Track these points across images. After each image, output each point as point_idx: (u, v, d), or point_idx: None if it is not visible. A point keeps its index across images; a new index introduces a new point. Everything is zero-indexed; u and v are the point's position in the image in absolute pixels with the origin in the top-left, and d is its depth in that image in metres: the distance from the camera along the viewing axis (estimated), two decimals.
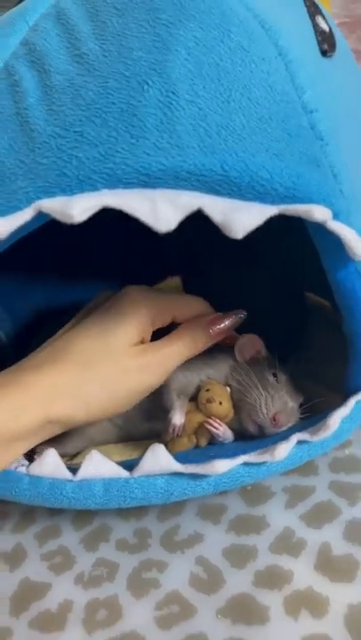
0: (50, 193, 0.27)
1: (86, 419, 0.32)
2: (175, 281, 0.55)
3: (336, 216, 0.29)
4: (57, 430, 0.32)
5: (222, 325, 0.36)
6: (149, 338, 0.34)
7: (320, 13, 0.35)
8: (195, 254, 0.52)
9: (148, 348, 0.33)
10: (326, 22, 0.35)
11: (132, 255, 0.51)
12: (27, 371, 0.31)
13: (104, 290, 0.38)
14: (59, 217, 0.26)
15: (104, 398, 0.32)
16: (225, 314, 0.37)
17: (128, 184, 0.27)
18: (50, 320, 0.53)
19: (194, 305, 0.37)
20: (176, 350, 0.34)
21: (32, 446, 0.31)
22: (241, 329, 0.41)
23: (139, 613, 0.31)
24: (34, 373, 0.31)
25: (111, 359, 0.32)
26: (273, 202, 0.28)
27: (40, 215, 0.27)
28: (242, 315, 0.37)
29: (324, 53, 0.33)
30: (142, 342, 0.34)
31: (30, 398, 0.30)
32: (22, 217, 0.27)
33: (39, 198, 0.28)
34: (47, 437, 0.32)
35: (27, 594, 0.33)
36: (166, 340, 0.34)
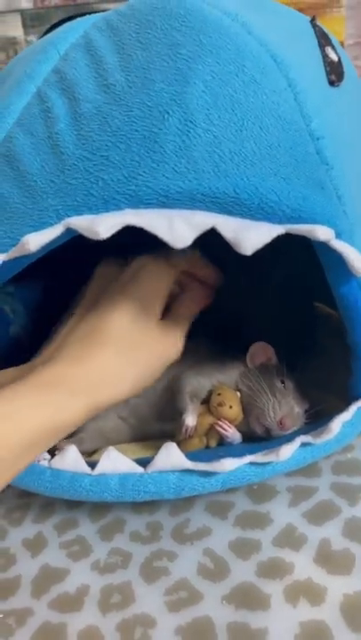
0: (78, 211, 0.30)
1: (128, 396, 0.33)
2: None
3: (339, 235, 0.31)
4: (101, 411, 0.33)
5: (206, 296, 0.38)
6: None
7: (330, 44, 0.38)
8: None
9: (172, 324, 0.35)
10: (336, 52, 0.38)
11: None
12: (67, 364, 0.32)
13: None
14: (86, 233, 0.29)
15: (144, 377, 0.34)
16: (203, 286, 0.38)
17: (148, 204, 0.30)
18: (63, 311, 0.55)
19: (191, 258, 0.37)
20: (185, 325, 0.36)
21: (71, 431, 0.32)
22: (252, 337, 0.44)
23: (150, 598, 0.33)
24: (77, 366, 0.32)
25: (149, 340, 0.33)
26: (280, 222, 0.30)
27: (68, 231, 0.30)
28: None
29: (331, 83, 0.36)
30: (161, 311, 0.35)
31: (78, 392, 0.31)
32: (53, 233, 0.30)
33: (68, 216, 0.31)
34: (87, 420, 0.32)
35: (47, 578, 0.36)
36: (176, 316, 0.36)
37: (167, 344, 0.34)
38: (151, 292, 0.34)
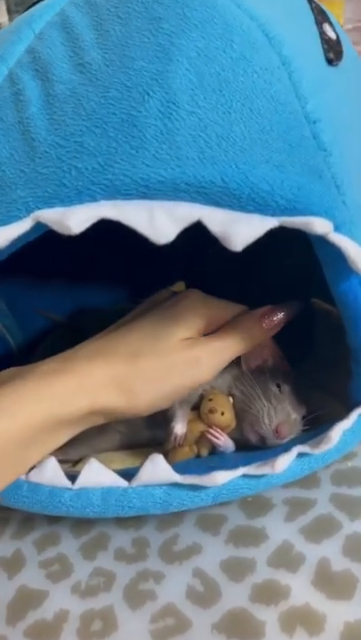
0: (49, 203, 0.27)
1: (131, 412, 0.32)
2: (179, 286, 0.55)
3: (338, 228, 0.29)
4: (99, 421, 0.32)
5: (276, 318, 0.35)
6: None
7: (327, 21, 0.35)
8: (197, 261, 0.52)
9: (197, 342, 0.33)
10: (334, 30, 0.35)
11: (137, 260, 0.51)
12: (78, 360, 0.31)
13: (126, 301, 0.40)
14: (56, 228, 0.26)
15: (150, 392, 0.32)
16: (278, 305, 0.36)
17: (127, 195, 0.27)
18: (57, 324, 0.54)
19: (242, 311, 0.36)
20: (229, 344, 0.33)
21: (73, 435, 0.32)
22: None
23: (134, 625, 0.30)
24: (85, 363, 0.31)
25: (159, 354, 0.32)
26: (273, 214, 0.27)
27: (39, 225, 0.27)
28: (295, 305, 0.36)
29: (329, 62, 0.33)
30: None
31: (79, 387, 0.30)
32: (21, 227, 0.27)
33: (38, 208, 0.28)
34: (89, 426, 0.32)
35: (23, 602, 0.33)
36: (218, 335, 0.34)
37: (180, 361, 0.32)
38: (182, 317, 0.33)
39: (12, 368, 0.34)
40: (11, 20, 0.73)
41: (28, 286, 0.52)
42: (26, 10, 0.40)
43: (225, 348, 0.33)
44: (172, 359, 0.32)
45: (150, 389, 0.32)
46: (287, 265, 0.48)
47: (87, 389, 0.30)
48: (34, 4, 0.39)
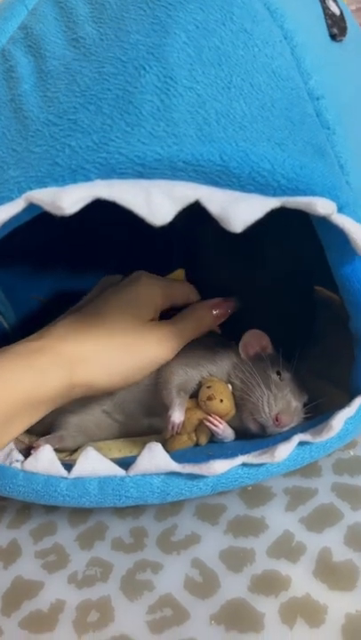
0: (42, 183, 0.26)
1: (107, 384, 0.34)
2: (179, 273, 0.54)
3: (341, 209, 0.28)
4: (79, 395, 0.33)
5: (224, 308, 0.39)
6: (158, 317, 0.38)
7: None
8: (198, 247, 0.51)
9: (162, 325, 0.36)
10: (337, 5, 0.34)
11: (135, 248, 0.50)
12: (53, 338, 0.33)
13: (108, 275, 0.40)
14: (49, 208, 0.25)
15: (125, 365, 0.34)
16: (225, 298, 0.40)
17: (123, 174, 0.26)
18: (52, 311, 0.53)
19: (187, 291, 0.40)
20: (188, 327, 0.37)
21: (52, 409, 0.33)
22: (247, 324, 0.40)
23: (130, 616, 0.30)
24: (60, 340, 0.33)
25: (132, 331, 0.35)
26: (274, 194, 0.26)
27: (32, 206, 0.26)
28: (234, 301, 0.40)
29: (333, 37, 0.32)
30: (153, 319, 0.37)
31: (57, 363, 0.32)
32: (13, 208, 0.26)
33: (31, 189, 0.27)
34: (68, 400, 0.33)
35: (19, 592, 0.32)
36: (177, 318, 0.37)
37: (153, 338, 0.35)
38: (141, 298, 0.37)
39: None
40: None
41: (25, 273, 0.51)
42: None
43: (184, 331, 0.37)
44: (144, 337, 0.35)
45: (126, 363, 0.34)
46: (287, 253, 0.47)
47: (64, 363, 0.32)
48: None
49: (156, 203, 0.25)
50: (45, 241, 0.44)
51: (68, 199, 0.24)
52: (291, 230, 0.38)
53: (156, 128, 0.25)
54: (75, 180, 0.26)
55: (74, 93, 0.27)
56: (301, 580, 0.30)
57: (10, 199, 0.27)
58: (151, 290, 0.37)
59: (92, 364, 0.33)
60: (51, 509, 0.38)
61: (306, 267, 0.47)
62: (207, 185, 0.26)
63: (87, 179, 0.26)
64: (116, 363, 0.34)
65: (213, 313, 0.39)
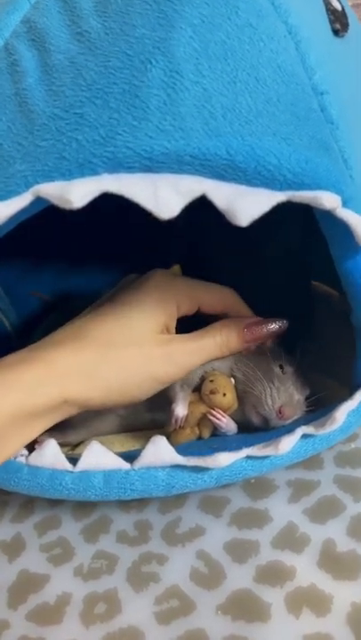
0: (49, 177, 0.26)
1: (103, 402, 0.31)
2: (175, 269, 0.54)
3: (346, 203, 0.28)
4: (73, 411, 0.31)
5: (260, 332, 0.35)
6: (174, 324, 0.33)
7: None
8: (194, 242, 0.51)
9: (175, 339, 0.32)
10: (339, 1, 0.34)
11: (133, 243, 0.50)
12: (47, 348, 0.30)
13: (126, 275, 0.37)
14: (57, 202, 0.25)
15: (123, 382, 0.31)
16: (266, 319, 0.35)
17: (130, 168, 0.26)
18: (53, 308, 0.53)
19: (221, 294, 0.35)
20: (205, 347, 0.33)
21: (48, 427, 0.31)
22: None
23: (138, 608, 0.30)
24: (53, 351, 0.30)
25: (134, 344, 0.31)
26: (280, 188, 0.26)
27: (39, 200, 0.26)
28: (282, 323, 0.35)
29: (336, 33, 0.32)
30: (167, 329, 0.33)
31: (47, 376, 0.29)
32: (21, 202, 0.26)
33: (38, 182, 0.27)
34: (63, 418, 0.31)
35: (25, 585, 0.32)
36: (196, 335, 0.33)
37: (158, 356, 0.31)
38: (150, 301, 0.32)
39: None
40: None
41: (25, 270, 0.51)
42: None
43: (199, 351, 0.33)
44: (146, 352, 0.31)
45: (122, 379, 0.31)
46: (285, 246, 0.47)
47: (56, 378, 0.29)
48: None
49: (164, 197, 0.25)
50: (45, 237, 0.44)
51: (77, 193, 0.24)
52: (284, 226, 0.38)
53: (163, 122, 0.25)
54: (82, 174, 0.26)
55: (80, 87, 0.27)
56: (306, 570, 0.30)
57: (17, 193, 0.27)
58: (165, 293, 0.33)
59: (87, 378, 0.30)
60: (54, 503, 0.38)
61: (302, 262, 0.48)
62: (213, 179, 0.26)
63: (94, 172, 0.26)
64: (113, 380, 0.31)
65: (245, 336, 0.34)
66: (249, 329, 0.34)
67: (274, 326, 0.35)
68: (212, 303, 0.35)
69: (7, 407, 0.27)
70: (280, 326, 0.35)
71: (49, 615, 0.30)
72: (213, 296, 0.35)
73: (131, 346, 0.31)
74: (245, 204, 0.25)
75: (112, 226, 0.50)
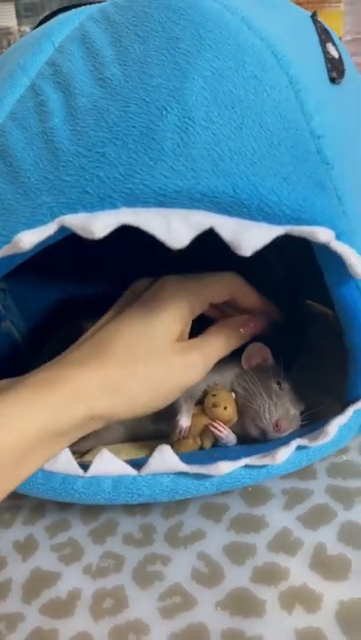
0: (73, 209, 0.29)
1: (129, 414, 0.32)
2: None
3: (339, 236, 0.31)
4: (99, 425, 0.32)
5: (252, 326, 0.38)
6: (189, 327, 0.35)
7: (331, 40, 0.37)
8: (189, 260, 0.53)
9: (191, 347, 0.34)
10: (336, 49, 0.37)
11: (131, 260, 0.52)
12: (71, 367, 0.31)
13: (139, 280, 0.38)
14: (80, 232, 0.28)
15: (148, 394, 0.32)
16: (255, 315, 0.38)
17: (145, 203, 0.29)
18: (63, 319, 0.55)
19: (228, 281, 0.37)
20: (215, 348, 0.35)
21: (73, 442, 0.32)
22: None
23: (143, 603, 0.33)
24: (78, 369, 0.31)
25: (156, 356, 0.32)
26: (280, 223, 0.29)
27: (62, 229, 0.29)
28: (275, 313, 0.38)
29: (332, 81, 0.35)
30: (182, 335, 0.34)
31: (75, 395, 0.30)
32: (47, 231, 0.29)
33: (62, 213, 0.30)
34: (88, 432, 0.32)
35: (38, 582, 0.35)
36: (205, 338, 0.35)
37: (179, 365, 0.33)
38: (167, 310, 0.33)
39: (3, 380, 0.34)
40: (19, 24, 0.75)
41: (35, 281, 0.53)
42: (40, 21, 0.42)
43: (214, 351, 0.35)
44: (167, 362, 0.32)
45: (147, 392, 0.32)
46: (279, 269, 0.49)
47: (83, 396, 0.30)
48: (49, 15, 0.41)
49: (175, 229, 0.28)
50: (53, 249, 0.47)
51: (99, 224, 0.27)
52: (284, 248, 0.41)
53: (176, 163, 0.28)
54: (102, 207, 0.29)
55: (102, 129, 0.30)
56: (299, 571, 0.33)
57: (43, 222, 0.30)
58: (180, 301, 0.34)
59: (113, 395, 0.31)
60: (64, 507, 0.40)
61: (296, 281, 0.50)
62: (220, 214, 0.29)
63: (114, 206, 0.29)
64: (138, 394, 0.32)
65: (241, 331, 0.37)
66: (244, 326, 0.37)
67: (264, 320, 0.38)
68: (221, 294, 0.36)
69: (34, 427, 0.28)
70: (269, 318, 0.38)
71: (61, 609, 0.33)
72: (222, 287, 0.36)
73: (152, 358, 0.32)
74: (249, 237, 0.28)
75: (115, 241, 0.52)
